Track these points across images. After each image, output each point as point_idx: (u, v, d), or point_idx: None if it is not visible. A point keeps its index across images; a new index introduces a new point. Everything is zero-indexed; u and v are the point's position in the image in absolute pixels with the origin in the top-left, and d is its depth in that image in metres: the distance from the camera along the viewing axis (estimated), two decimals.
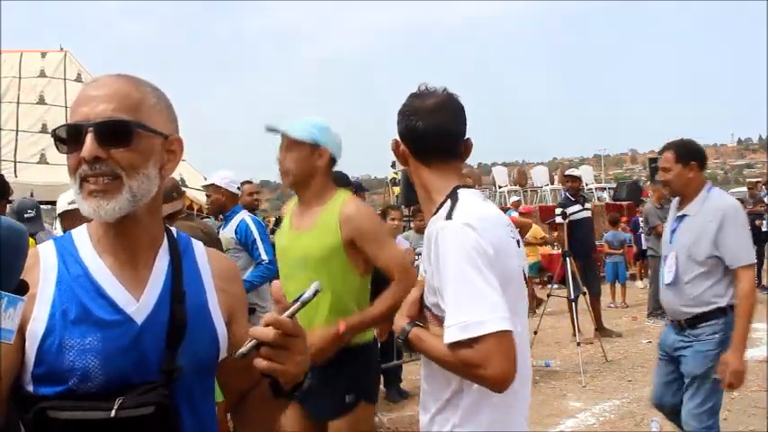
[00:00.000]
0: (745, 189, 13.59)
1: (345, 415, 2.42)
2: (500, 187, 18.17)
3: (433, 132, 1.66)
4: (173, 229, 1.25)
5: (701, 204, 3.06)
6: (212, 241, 3.37)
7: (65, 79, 9.76)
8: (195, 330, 1.13)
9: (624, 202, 14.62)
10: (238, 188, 4.75)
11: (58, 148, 1.11)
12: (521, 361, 1.58)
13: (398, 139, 1.73)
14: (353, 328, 2.36)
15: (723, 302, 2.96)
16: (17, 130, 8.88)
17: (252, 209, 5.12)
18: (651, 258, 8.56)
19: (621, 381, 5.74)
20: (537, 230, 10.75)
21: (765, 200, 10.90)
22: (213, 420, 1.21)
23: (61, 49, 10.43)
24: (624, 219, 12.25)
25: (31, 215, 4.02)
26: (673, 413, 3.28)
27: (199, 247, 1.26)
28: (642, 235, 9.96)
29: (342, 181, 4.28)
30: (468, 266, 1.46)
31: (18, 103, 9.26)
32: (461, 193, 1.63)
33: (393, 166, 13.93)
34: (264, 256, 4.31)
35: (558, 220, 7.45)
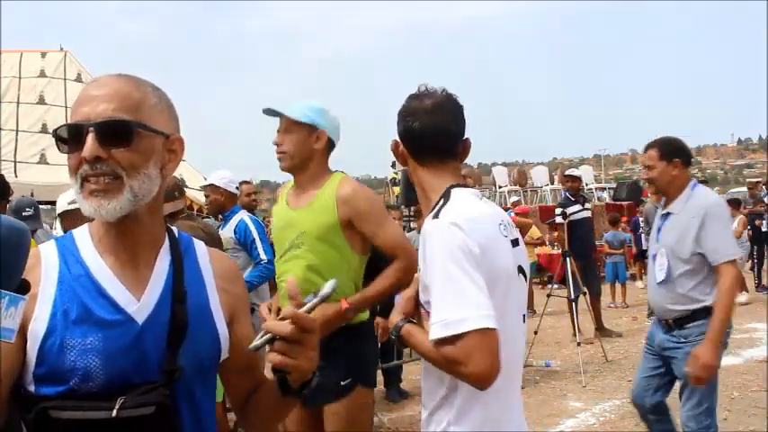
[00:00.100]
0: (745, 189, 13.59)
1: (341, 399, 2.39)
2: (500, 187, 18.18)
3: (429, 133, 1.68)
4: (174, 228, 1.25)
5: (685, 202, 3.06)
6: (213, 241, 3.36)
7: (65, 79, 9.75)
8: (196, 330, 1.13)
9: (624, 202, 14.62)
10: (237, 188, 4.75)
11: (58, 147, 1.11)
12: (513, 359, 1.60)
13: (398, 139, 1.76)
14: (356, 306, 2.35)
15: (710, 301, 2.94)
16: (17, 130, 8.88)
17: (250, 209, 5.12)
18: None
19: (622, 381, 5.73)
20: (534, 231, 10.76)
21: (765, 200, 10.90)
22: (214, 420, 1.21)
23: (61, 49, 10.42)
24: (624, 219, 12.25)
25: (30, 213, 4.03)
26: (649, 413, 3.26)
27: (200, 246, 1.26)
28: (642, 235, 9.95)
29: None
30: (453, 265, 1.48)
31: (18, 103, 9.25)
32: (454, 192, 1.65)
33: (393, 166, 13.92)
34: (263, 256, 4.31)
35: (558, 220, 7.45)
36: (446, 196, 1.65)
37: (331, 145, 2.51)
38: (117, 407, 1.01)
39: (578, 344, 6.16)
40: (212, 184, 4.61)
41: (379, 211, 2.46)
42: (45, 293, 1.08)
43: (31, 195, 5.76)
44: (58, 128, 1.10)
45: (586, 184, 17.45)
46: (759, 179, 12.80)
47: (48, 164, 8.42)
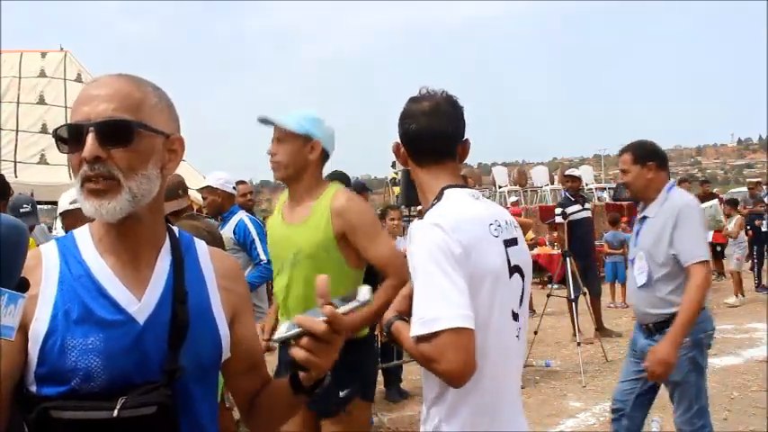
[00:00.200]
0: (745, 189, 13.59)
1: (339, 411, 2.39)
2: (500, 187, 18.17)
3: (426, 135, 1.72)
4: (175, 228, 1.25)
5: (660, 205, 3.06)
6: (216, 241, 3.36)
7: (65, 79, 9.74)
8: (197, 330, 1.13)
9: (624, 202, 14.61)
10: (234, 188, 4.75)
11: (59, 147, 1.11)
12: (502, 359, 1.61)
13: (399, 141, 1.79)
14: (349, 330, 2.35)
15: None
16: (17, 131, 8.88)
17: (247, 209, 5.11)
18: None
19: None
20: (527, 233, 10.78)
21: (765, 200, 10.90)
22: (215, 420, 1.21)
23: (61, 49, 10.41)
24: (624, 219, 12.26)
25: (27, 210, 4.04)
26: (626, 418, 3.21)
27: (201, 246, 1.26)
28: None
29: (342, 181, 4.28)
30: (433, 265, 1.51)
31: (18, 103, 9.25)
32: (447, 192, 1.68)
33: (393, 166, 13.95)
34: (263, 257, 4.31)
35: (558, 220, 7.45)
36: (439, 197, 1.68)
37: (325, 155, 2.49)
38: (118, 407, 1.01)
39: (578, 344, 6.16)
40: (209, 186, 4.61)
41: (371, 225, 2.41)
42: (46, 294, 1.08)
43: (31, 195, 5.76)
44: (59, 128, 1.09)
45: (586, 184, 17.45)
46: (759, 179, 12.80)
47: (48, 164, 8.41)
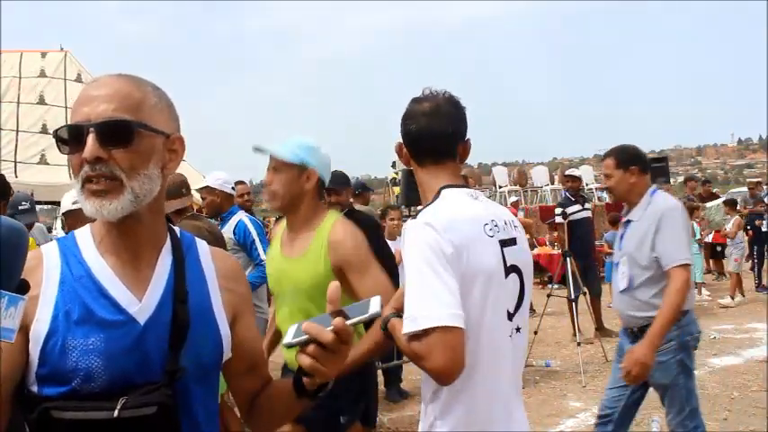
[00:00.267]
0: (745, 189, 13.59)
1: None
2: (500, 187, 18.15)
3: (426, 135, 1.74)
4: (176, 228, 1.25)
5: (644, 209, 3.07)
6: (217, 241, 3.36)
7: (65, 79, 9.74)
8: (198, 331, 1.13)
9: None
10: (232, 188, 4.74)
11: (59, 148, 1.11)
12: (496, 359, 1.62)
13: (401, 141, 1.81)
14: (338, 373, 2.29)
15: None
16: (17, 131, 8.88)
17: (245, 209, 5.11)
18: None
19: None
20: None
21: (766, 200, 10.90)
22: (216, 420, 1.21)
23: (61, 49, 10.41)
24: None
25: (26, 207, 4.05)
26: (614, 423, 3.20)
27: (203, 246, 1.26)
28: None
29: (342, 181, 4.28)
30: (423, 264, 1.53)
31: (18, 103, 9.25)
32: (444, 192, 1.70)
33: (393, 166, 13.95)
34: (264, 257, 4.31)
35: (558, 220, 7.45)
36: (437, 196, 1.70)
37: (321, 184, 2.45)
38: (119, 407, 1.01)
39: (578, 344, 6.16)
40: (208, 186, 4.61)
41: (364, 262, 2.35)
42: (47, 294, 1.08)
43: (31, 195, 5.76)
44: (59, 129, 1.09)
45: (586, 184, 17.43)
46: (759, 179, 12.79)
47: (48, 164, 8.42)
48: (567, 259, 6.60)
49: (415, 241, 1.57)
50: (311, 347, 1.01)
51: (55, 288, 1.09)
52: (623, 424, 3.21)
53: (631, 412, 3.22)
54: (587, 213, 7.62)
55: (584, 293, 6.74)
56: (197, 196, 5.57)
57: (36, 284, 1.05)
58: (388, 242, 5.27)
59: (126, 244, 1.13)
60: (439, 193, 1.71)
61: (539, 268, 11.16)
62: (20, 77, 9.61)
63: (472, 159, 1.86)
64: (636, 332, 3.07)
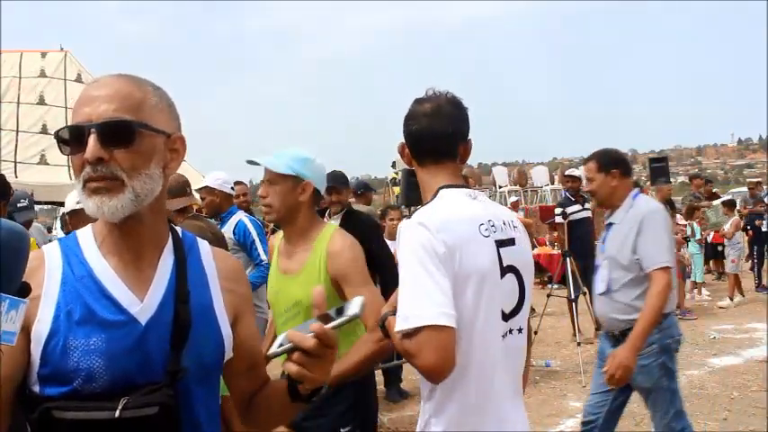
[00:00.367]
0: (745, 189, 13.60)
1: None
2: (500, 187, 18.15)
3: (426, 135, 1.75)
4: (178, 228, 1.25)
5: (626, 212, 3.08)
6: (219, 242, 3.35)
7: (65, 80, 9.73)
8: (200, 331, 1.13)
9: None
10: (232, 188, 4.74)
11: (60, 149, 1.11)
12: (489, 359, 1.62)
13: (404, 141, 1.82)
14: (330, 383, 2.25)
15: None
16: (17, 131, 8.87)
17: (244, 210, 5.10)
18: None
19: None
20: None
21: (765, 200, 10.90)
22: (217, 420, 1.21)
23: (61, 49, 10.39)
24: None
25: (24, 204, 4.06)
26: (597, 429, 3.19)
27: (204, 246, 1.26)
28: None
29: (340, 180, 4.29)
30: (416, 263, 1.54)
31: (18, 103, 9.24)
32: (443, 192, 1.71)
33: (393, 166, 13.92)
34: (264, 257, 4.31)
35: (558, 219, 7.45)
36: (434, 196, 1.71)
37: (317, 194, 2.44)
38: (120, 407, 1.01)
39: (578, 344, 6.16)
40: (207, 186, 4.60)
41: (360, 275, 2.33)
42: (48, 295, 1.08)
43: (31, 196, 5.77)
44: (60, 129, 1.09)
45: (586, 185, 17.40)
46: (759, 179, 12.79)
47: (48, 164, 8.40)
48: (567, 259, 6.60)
49: (409, 241, 1.58)
50: (296, 355, 1.01)
51: (56, 288, 1.09)
52: (608, 429, 3.21)
53: (615, 417, 3.22)
54: (587, 213, 7.61)
55: (584, 293, 6.74)
56: (196, 196, 5.57)
57: (38, 285, 1.06)
58: (388, 242, 5.27)
59: (128, 244, 1.13)
60: (437, 192, 1.72)
61: (539, 268, 11.16)
62: (20, 77, 9.59)
63: (472, 159, 1.88)
64: (617, 336, 3.07)
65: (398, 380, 5.67)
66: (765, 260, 10.44)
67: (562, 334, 7.62)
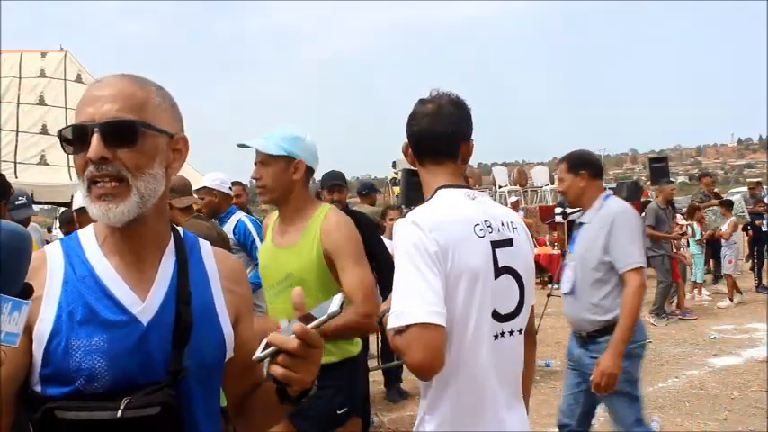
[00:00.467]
0: (745, 189, 13.60)
1: (338, 428, 2.40)
2: (500, 187, 18.15)
3: (427, 135, 1.77)
4: (180, 228, 1.25)
5: (596, 212, 3.09)
6: (224, 242, 3.37)
7: (65, 80, 9.72)
8: (201, 331, 1.14)
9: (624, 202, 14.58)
10: (230, 188, 4.74)
11: (63, 149, 1.11)
12: (483, 359, 1.62)
13: (407, 141, 1.84)
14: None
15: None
16: (17, 131, 8.87)
17: (241, 209, 5.09)
18: (651, 258, 8.58)
19: None
20: None
21: (765, 200, 10.90)
22: (218, 421, 1.22)
23: (61, 49, 10.38)
24: None
25: (22, 202, 4.07)
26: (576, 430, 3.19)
27: (205, 246, 1.26)
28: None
29: (338, 179, 4.29)
30: (408, 261, 1.56)
31: (18, 103, 9.23)
32: (441, 192, 1.73)
33: (393, 166, 13.94)
34: None
35: (558, 219, 7.47)
36: (432, 196, 1.73)
37: (310, 171, 2.44)
38: (122, 407, 1.02)
39: None
40: (205, 187, 4.60)
41: (354, 252, 2.34)
42: (50, 294, 1.08)
43: (32, 196, 5.77)
44: (63, 129, 1.10)
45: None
46: (759, 179, 12.79)
47: (48, 165, 8.40)
48: None
49: (402, 240, 1.60)
50: (280, 357, 1.01)
51: (58, 288, 1.09)
52: (583, 431, 3.22)
53: (588, 419, 3.23)
54: None
55: None
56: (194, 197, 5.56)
57: (40, 285, 1.05)
58: (387, 241, 5.27)
59: (129, 245, 1.13)
60: (435, 192, 1.74)
61: (539, 268, 11.16)
62: (20, 78, 9.58)
63: (472, 159, 1.88)
64: (585, 336, 3.08)
65: (398, 380, 5.67)
66: (765, 260, 10.44)
67: (562, 334, 7.62)
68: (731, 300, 9.16)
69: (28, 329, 1.04)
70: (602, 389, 2.89)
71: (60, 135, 1.10)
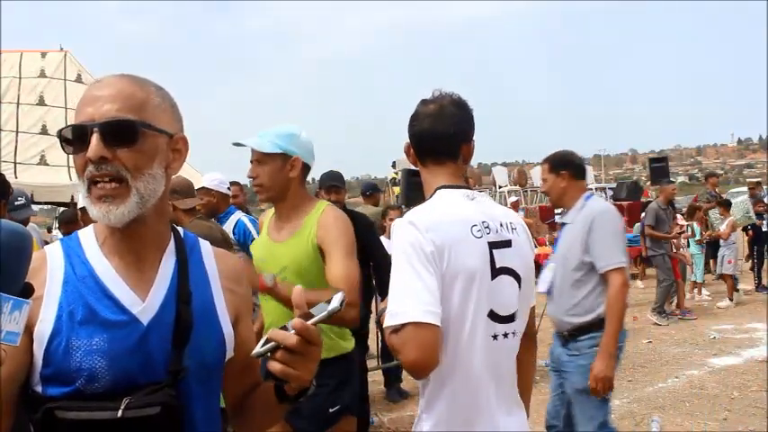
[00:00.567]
0: (745, 189, 13.59)
1: (330, 427, 2.40)
2: (500, 187, 18.14)
3: (427, 136, 1.78)
4: (180, 228, 1.25)
5: (578, 212, 3.10)
6: (227, 243, 3.37)
7: (65, 80, 9.72)
8: (201, 331, 1.14)
9: (624, 202, 14.61)
10: (228, 188, 4.75)
11: (63, 148, 1.11)
12: (480, 359, 1.62)
13: (409, 141, 1.85)
14: (277, 292, 2.23)
15: (602, 310, 2.94)
16: (17, 132, 8.87)
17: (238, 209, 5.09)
18: (651, 257, 8.58)
19: (621, 381, 5.73)
20: None
21: (765, 200, 10.90)
22: (219, 421, 1.22)
23: (61, 49, 10.38)
24: (625, 219, 12.24)
25: (22, 202, 4.07)
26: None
27: (205, 246, 1.26)
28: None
29: (336, 180, 4.29)
30: (404, 260, 1.57)
31: (18, 104, 9.23)
32: (440, 192, 1.74)
33: (393, 166, 13.93)
34: None
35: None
36: (432, 196, 1.74)
37: (307, 168, 2.44)
38: (122, 407, 1.02)
39: None
40: (204, 187, 4.60)
41: (345, 244, 2.33)
42: (51, 295, 1.08)
43: (32, 196, 5.77)
44: (63, 129, 1.10)
45: (587, 184, 17.38)
46: (759, 179, 12.79)
47: (48, 165, 8.40)
48: None
49: (399, 239, 1.61)
50: (279, 353, 1.01)
51: (59, 288, 1.09)
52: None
53: (573, 420, 3.21)
54: None
55: None
56: None
57: (40, 285, 1.06)
58: (388, 241, 5.27)
59: (130, 246, 1.13)
60: (435, 192, 1.75)
61: (539, 268, 11.15)
62: (20, 78, 9.58)
63: (472, 159, 1.89)
64: (566, 336, 3.08)
65: (398, 380, 5.67)
66: (765, 260, 10.44)
67: None
68: (731, 299, 9.16)
69: (28, 330, 1.04)
70: (601, 393, 2.89)
71: (60, 135, 1.10)
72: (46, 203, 8.69)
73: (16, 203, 4.06)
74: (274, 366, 1.01)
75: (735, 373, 5.83)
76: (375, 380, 5.60)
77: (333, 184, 4.20)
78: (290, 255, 2.36)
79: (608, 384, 2.88)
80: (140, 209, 1.09)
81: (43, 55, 10.19)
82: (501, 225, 1.70)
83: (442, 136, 1.75)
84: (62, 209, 7.66)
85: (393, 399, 5.50)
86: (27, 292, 0.84)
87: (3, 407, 1.02)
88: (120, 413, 1.01)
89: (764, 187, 12.15)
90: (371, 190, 6.86)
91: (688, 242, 9.84)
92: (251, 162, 2.43)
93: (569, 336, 3.06)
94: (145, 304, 1.11)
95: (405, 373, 5.81)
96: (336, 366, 2.40)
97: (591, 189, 17.85)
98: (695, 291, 9.88)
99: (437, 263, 1.57)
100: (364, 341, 5.04)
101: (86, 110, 1.08)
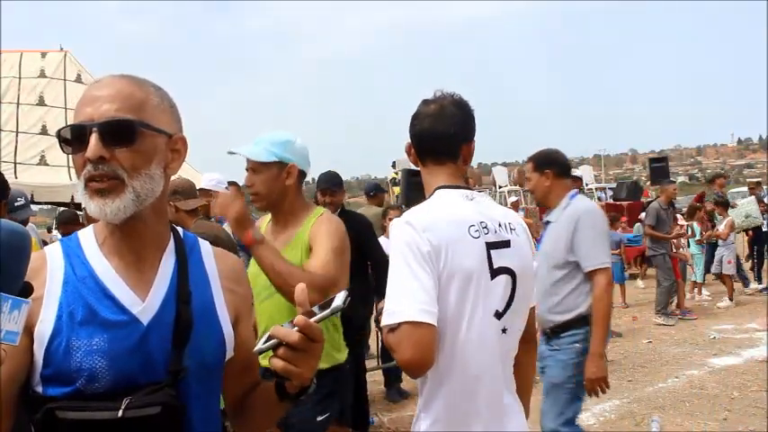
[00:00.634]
0: (745, 189, 13.60)
1: None
2: (500, 187, 18.17)
3: (428, 135, 1.78)
4: (179, 229, 1.25)
5: (562, 211, 3.10)
6: (230, 243, 3.36)
7: (65, 80, 9.72)
8: (201, 331, 1.14)
9: (624, 202, 14.61)
10: (226, 188, 4.75)
11: (62, 148, 1.11)
12: (477, 358, 1.63)
13: (410, 141, 1.85)
14: (261, 251, 2.18)
15: (584, 308, 2.95)
16: (17, 132, 8.87)
17: None
18: (652, 257, 8.59)
19: (621, 381, 5.74)
20: None
21: (765, 200, 10.90)
22: (219, 420, 1.22)
23: (61, 49, 10.38)
24: (624, 219, 12.26)
25: (21, 203, 4.07)
26: None
27: (205, 246, 1.27)
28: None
29: (334, 180, 4.29)
30: (401, 260, 1.58)
31: (18, 104, 9.23)
32: (439, 192, 1.74)
33: (393, 166, 13.94)
34: None
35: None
36: (431, 196, 1.75)
37: (303, 175, 2.42)
38: (123, 407, 1.02)
39: None
40: (202, 188, 4.61)
41: (334, 245, 2.29)
42: (51, 295, 1.08)
43: (32, 197, 5.77)
44: (62, 129, 1.10)
45: (586, 184, 17.44)
46: (759, 179, 12.79)
47: (48, 165, 8.40)
48: None
49: (396, 239, 1.62)
50: (281, 350, 1.00)
51: (59, 289, 1.09)
52: None
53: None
54: None
55: None
56: None
57: (40, 285, 1.06)
58: (387, 241, 5.27)
59: (129, 245, 1.14)
60: (434, 192, 1.75)
61: None
62: (20, 78, 9.58)
63: (472, 159, 1.89)
64: (549, 333, 3.09)
65: (398, 380, 5.68)
66: (765, 260, 10.44)
67: None
68: (731, 299, 9.16)
69: (29, 330, 1.04)
70: (594, 392, 2.92)
71: (59, 135, 1.10)
72: (46, 203, 8.69)
73: (16, 204, 4.06)
74: (276, 363, 1.01)
75: (735, 373, 5.83)
76: (375, 380, 5.60)
77: (328, 186, 4.19)
78: None
79: (603, 384, 2.89)
80: (137, 206, 1.09)
81: (43, 55, 10.19)
82: (500, 225, 1.70)
83: (441, 136, 1.76)
84: (62, 209, 7.66)
85: (393, 399, 5.50)
86: (26, 291, 0.84)
87: (3, 407, 1.02)
88: (120, 413, 1.01)
89: (764, 187, 12.14)
90: (375, 190, 6.86)
91: (688, 242, 9.84)
92: (246, 170, 2.40)
93: (551, 333, 3.07)
94: (145, 304, 1.11)
95: (404, 373, 5.81)
96: (328, 377, 2.38)
97: (591, 189, 17.91)
98: (695, 291, 9.88)
99: (434, 262, 1.57)
100: (364, 342, 5.05)
101: (85, 110, 1.08)
